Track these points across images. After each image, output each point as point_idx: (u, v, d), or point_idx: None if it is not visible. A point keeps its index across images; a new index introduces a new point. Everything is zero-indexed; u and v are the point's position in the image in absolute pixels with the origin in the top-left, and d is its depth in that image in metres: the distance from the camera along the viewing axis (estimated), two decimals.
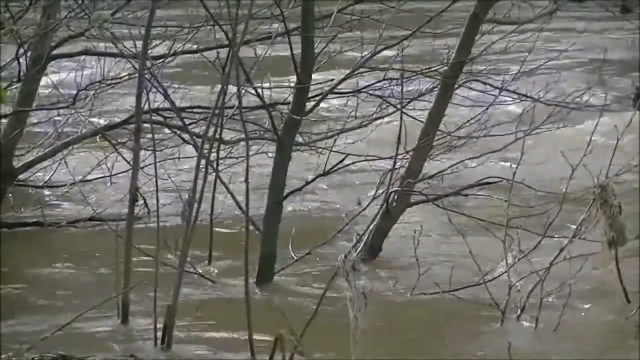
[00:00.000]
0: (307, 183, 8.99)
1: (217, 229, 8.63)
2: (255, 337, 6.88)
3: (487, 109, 9.17)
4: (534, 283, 7.58)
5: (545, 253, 7.89)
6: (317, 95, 8.96)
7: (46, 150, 9.85)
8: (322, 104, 9.25)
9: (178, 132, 9.28)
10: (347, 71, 9.21)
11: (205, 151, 7.71)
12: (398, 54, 9.17)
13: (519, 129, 9.20)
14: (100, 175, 10.24)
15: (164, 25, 9.62)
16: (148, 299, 7.30)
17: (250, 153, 7.93)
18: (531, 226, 8.14)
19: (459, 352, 7.29)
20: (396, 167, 8.59)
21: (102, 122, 10.44)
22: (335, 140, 9.23)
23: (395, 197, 8.65)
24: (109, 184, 10.27)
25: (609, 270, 7.89)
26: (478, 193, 8.89)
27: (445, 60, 8.93)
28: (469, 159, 9.22)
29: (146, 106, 8.14)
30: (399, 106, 8.73)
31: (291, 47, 8.67)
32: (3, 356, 5.39)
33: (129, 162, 8.61)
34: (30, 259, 9.09)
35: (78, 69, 10.36)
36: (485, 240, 8.31)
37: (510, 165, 8.60)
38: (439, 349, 7.34)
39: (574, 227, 7.98)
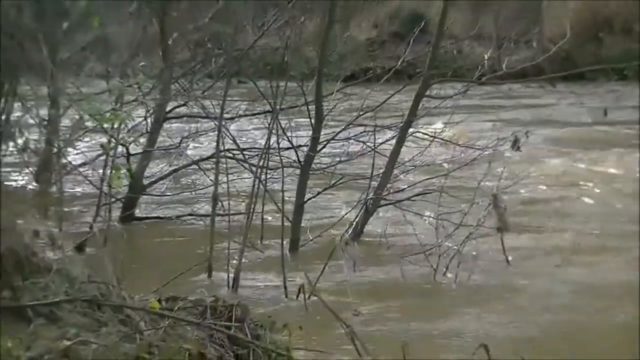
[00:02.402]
0: (319, 193, 9.04)
1: (268, 223, 8.58)
2: (288, 284, 7.03)
3: (424, 150, 9.10)
4: (453, 254, 7.60)
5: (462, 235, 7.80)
6: (324, 141, 8.96)
7: (163, 174, 9.88)
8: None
9: (241, 162, 9.21)
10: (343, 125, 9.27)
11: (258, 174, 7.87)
12: (373, 116, 9.22)
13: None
14: (195, 188, 10.14)
15: (232, 99, 9.59)
16: (223, 262, 7.39)
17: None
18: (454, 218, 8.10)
19: (409, 291, 7.35)
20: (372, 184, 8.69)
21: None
22: (335, 167, 9.27)
23: (369, 204, 8.65)
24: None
25: (498, 245, 7.95)
26: (422, 199, 8.66)
27: (403, 123, 8.86)
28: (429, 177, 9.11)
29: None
30: (372, 147, 8.97)
31: (309, 112, 8.78)
32: (136, 297, 5.04)
33: (211, 180, 8.61)
34: (153, 240, 9.08)
35: (182, 125, 10.46)
36: (426, 227, 8.32)
37: (440, 181, 8.63)
38: (397, 286, 7.43)
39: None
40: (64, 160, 8.62)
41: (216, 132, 8.38)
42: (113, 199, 8.97)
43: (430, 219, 8.25)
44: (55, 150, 8.30)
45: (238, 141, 9.22)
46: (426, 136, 9.12)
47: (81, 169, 9.27)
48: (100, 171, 8.99)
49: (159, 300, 4.68)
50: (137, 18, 10.69)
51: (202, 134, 10.03)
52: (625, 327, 6.41)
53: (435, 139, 9.09)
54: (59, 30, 8.51)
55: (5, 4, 7.85)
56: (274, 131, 8.19)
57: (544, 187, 11.21)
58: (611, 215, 9.82)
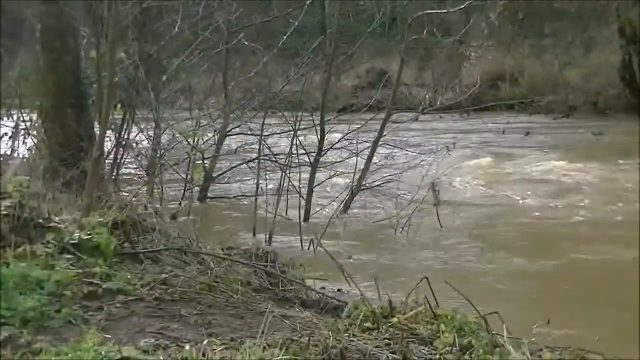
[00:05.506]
0: (322, 182, 8.85)
1: (290, 201, 8.33)
2: (303, 239, 6.95)
3: (386, 158, 9.03)
4: (406, 220, 7.48)
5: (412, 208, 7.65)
6: (326, 149, 8.81)
7: (225, 170, 9.74)
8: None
9: (274, 162, 8.94)
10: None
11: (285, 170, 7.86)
12: (356, 133, 9.00)
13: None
14: (245, 179, 9.80)
15: (269, 123, 9.22)
16: (262, 225, 7.21)
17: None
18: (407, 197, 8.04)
19: (378, 242, 7.21)
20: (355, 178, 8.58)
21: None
22: (332, 165, 9.09)
23: (354, 189, 8.55)
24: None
25: (434, 214, 7.83)
26: (387, 187, 8.59)
27: (375, 138, 8.77)
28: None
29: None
30: (356, 153, 8.79)
31: (316, 130, 8.64)
32: (208, 246, 4.60)
33: (253, 171, 8.45)
34: (219, 211, 8.87)
35: (237, 139, 10.19)
36: (391, 204, 8.20)
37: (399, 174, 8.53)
38: (370, 239, 7.29)
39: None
40: (163, 161, 8.64)
41: (258, 143, 8.34)
42: (194, 186, 8.87)
43: (392, 198, 8.20)
44: (158, 155, 8.28)
45: (272, 149, 9.10)
46: (390, 146, 9.05)
47: (174, 167, 9.18)
48: (186, 168, 8.90)
49: (222, 249, 4.67)
50: (208, 73, 10.79)
51: (250, 145, 9.88)
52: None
53: (397, 147, 9.05)
54: (160, 81, 8.65)
55: (127, 65, 7.85)
56: (294, 143, 8.18)
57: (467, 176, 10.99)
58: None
